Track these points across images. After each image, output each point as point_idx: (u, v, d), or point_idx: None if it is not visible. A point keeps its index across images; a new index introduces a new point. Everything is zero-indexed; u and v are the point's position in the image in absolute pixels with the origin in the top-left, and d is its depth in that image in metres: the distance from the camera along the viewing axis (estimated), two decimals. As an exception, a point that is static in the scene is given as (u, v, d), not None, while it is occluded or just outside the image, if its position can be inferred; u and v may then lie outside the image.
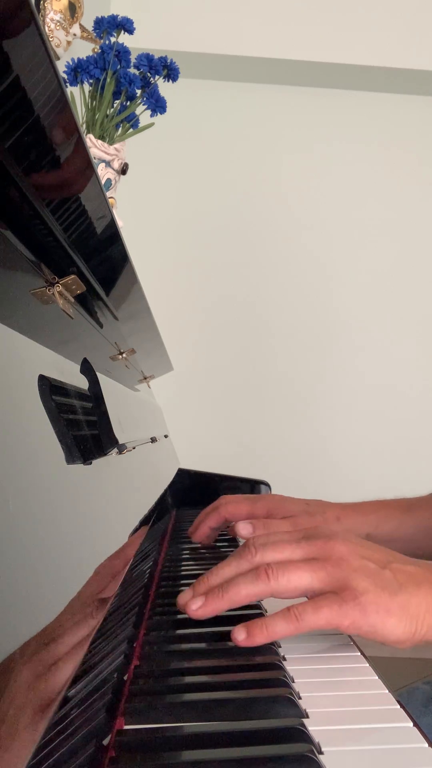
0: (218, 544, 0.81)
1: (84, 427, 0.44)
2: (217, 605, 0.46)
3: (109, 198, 0.97)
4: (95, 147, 0.94)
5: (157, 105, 1.00)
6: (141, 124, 1.00)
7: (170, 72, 1.00)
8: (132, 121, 1.00)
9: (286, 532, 0.52)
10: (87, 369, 0.51)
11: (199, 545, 0.79)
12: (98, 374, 0.52)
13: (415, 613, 0.44)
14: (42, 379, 0.36)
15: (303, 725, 0.35)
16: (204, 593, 0.47)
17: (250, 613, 0.52)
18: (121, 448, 0.55)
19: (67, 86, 0.88)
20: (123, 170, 0.98)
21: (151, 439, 0.85)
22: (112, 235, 0.49)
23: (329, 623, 0.44)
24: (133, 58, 0.98)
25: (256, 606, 0.54)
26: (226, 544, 0.79)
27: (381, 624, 0.44)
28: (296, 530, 0.52)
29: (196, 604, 0.47)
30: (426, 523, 0.75)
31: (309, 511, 0.73)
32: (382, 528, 0.75)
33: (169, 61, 1.00)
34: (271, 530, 0.64)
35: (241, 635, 0.44)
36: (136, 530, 0.49)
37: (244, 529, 0.64)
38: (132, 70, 0.98)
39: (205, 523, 0.75)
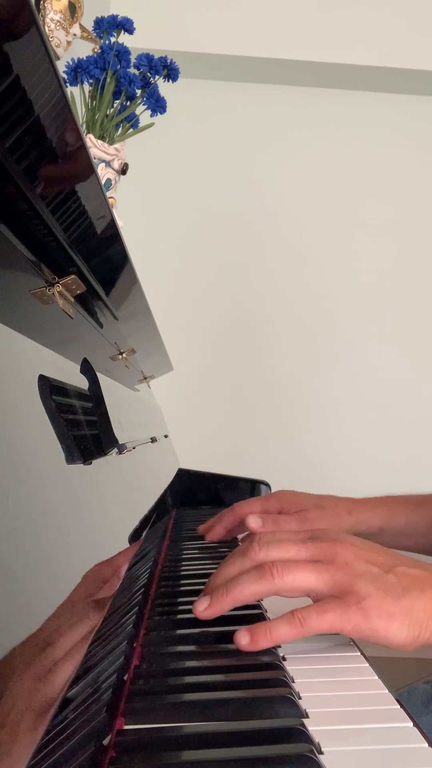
0: (218, 545, 0.81)
1: (84, 427, 0.44)
2: (222, 605, 0.47)
3: (109, 198, 0.97)
4: (95, 147, 0.94)
5: (157, 105, 1.00)
6: (141, 124, 1.00)
7: (170, 72, 1.00)
8: (132, 121, 1.00)
9: (292, 532, 0.52)
10: (87, 369, 0.51)
11: (199, 545, 0.80)
12: (98, 374, 0.52)
13: (419, 617, 0.44)
14: (42, 379, 0.36)
15: (303, 725, 0.35)
16: (210, 593, 0.48)
17: (252, 613, 0.53)
18: (121, 448, 0.55)
19: (67, 86, 0.88)
20: (123, 170, 0.98)
21: (151, 439, 0.85)
22: (112, 235, 0.49)
23: (332, 627, 0.44)
24: (133, 58, 0.98)
25: (256, 606, 0.54)
26: (226, 548, 0.79)
27: (384, 628, 0.44)
28: (302, 531, 0.52)
29: (203, 605, 0.47)
30: None
31: (321, 505, 0.74)
32: (392, 522, 0.76)
33: (169, 61, 1.00)
34: (279, 527, 0.65)
35: (244, 639, 0.44)
36: (135, 531, 0.49)
37: (254, 523, 0.65)
38: (132, 70, 0.98)
39: (221, 524, 0.77)
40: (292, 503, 0.74)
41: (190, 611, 0.54)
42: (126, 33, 0.97)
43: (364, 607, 0.43)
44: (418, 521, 0.76)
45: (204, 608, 0.47)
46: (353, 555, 0.47)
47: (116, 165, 0.97)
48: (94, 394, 0.50)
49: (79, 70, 0.95)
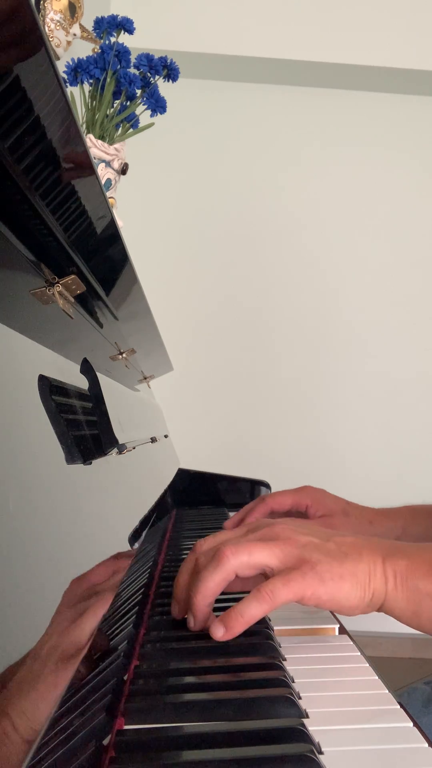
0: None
1: (84, 427, 0.44)
2: (197, 608, 0.47)
3: (109, 198, 0.97)
4: (95, 147, 0.94)
5: (157, 105, 1.00)
6: (141, 124, 1.00)
7: (170, 72, 1.00)
8: (132, 121, 1.00)
9: (231, 530, 0.54)
10: (87, 369, 0.51)
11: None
12: (98, 374, 0.52)
13: (363, 579, 0.46)
14: (42, 379, 0.36)
15: (303, 725, 0.35)
16: (183, 599, 0.50)
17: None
18: (121, 448, 0.55)
19: (67, 86, 0.88)
20: (123, 170, 0.98)
21: (151, 439, 0.85)
22: (112, 235, 0.49)
23: (296, 595, 0.45)
24: (133, 58, 0.98)
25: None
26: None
27: (337, 589, 0.45)
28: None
29: (190, 623, 0.48)
30: None
31: (348, 511, 0.76)
32: (409, 532, 0.78)
33: (169, 61, 1.00)
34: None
35: (219, 632, 0.45)
36: (135, 531, 0.49)
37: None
38: (132, 70, 0.98)
39: (252, 515, 0.77)
40: (321, 504, 0.77)
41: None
42: (126, 33, 0.97)
43: (319, 572, 0.46)
44: None
45: (192, 625, 0.48)
46: (292, 531, 0.49)
47: (116, 165, 0.97)
48: (94, 394, 0.50)
49: (79, 70, 0.95)
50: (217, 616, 0.47)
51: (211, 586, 0.47)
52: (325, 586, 0.45)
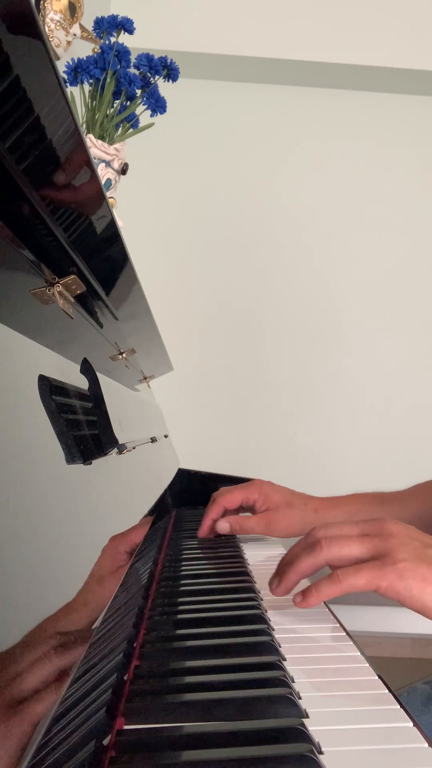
0: (218, 544, 0.81)
1: (84, 427, 0.44)
2: (288, 580, 0.55)
3: (109, 198, 0.97)
4: (95, 147, 0.94)
5: (157, 105, 1.00)
6: (141, 124, 1.00)
7: (170, 72, 1.00)
8: (132, 121, 1.00)
9: (349, 520, 0.57)
10: (87, 369, 0.51)
11: (199, 545, 0.80)
12: (98, 374, 0.52)
13: None
14: (42, 379, 0.36)
15: (303, 725, 0.35)
16: (280, 574, 0.56)
17: (247, 613, 0.53)
18: (121, 448, 0.55)
19: (67, 86, 0.88)
20: (123, 170, 0.98)
21: (151, 439, 0.85)
22: (112, 235, 0.48)
23: (369, 584, 0.48)
24: (133, 58, 0.98)
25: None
26: (226, 549, 0.79)
27: (419, 589, 0.47)
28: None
29: (275, 585, 0.56)
30: (398, 516, 0.79)
31: (291, 503, 0.81)
32: (356, 519, 0.79)
33: (169, 61, 1.00)
34: (245, 529, 0.78)
35: (298, 598, 0.52)
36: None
37: (222, 530, 0.78)
38: (132, 70, 0.98)
39: (208, 517, 0.82)
40: (267, 497, 0.81)
41: (190, 611, 0.54)
42: (126, 33, 0.97)
43: (399, 568, 0.47)
44: None
45: (276, 586, 0.56)
46: (398, 530, 0.51)
47: (116, 165, 0.97)
48: (94, 394, 0.50)
49: (79, 70, 0.95)
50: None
51: (303, 566, 0.54)
52: (404, 582, 0.47)
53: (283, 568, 0.56)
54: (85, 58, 0.96)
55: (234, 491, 0.83)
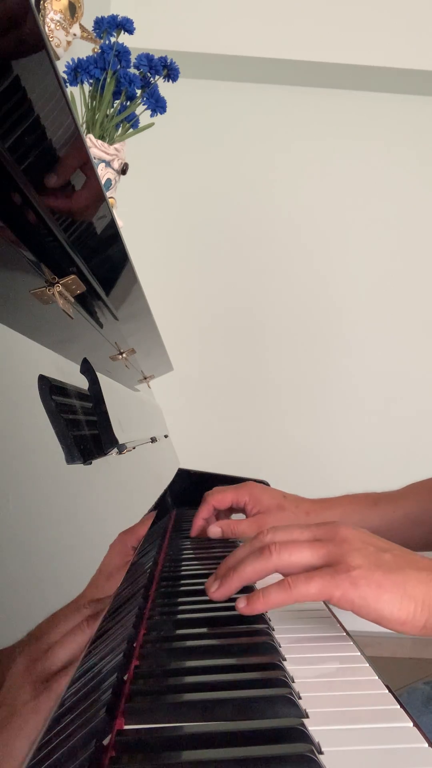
0: (218, 544, 0.81)
1: (84, 427, 0.44)
2: (230, 584, 0.50)
3: (109, 198, 0.97)
4: (95, 147, 0.94)
5: (157, 105, 1.00)
6: (141, 124, 1.00)
7: (170, 72, 1.00)
8: (132, 121, 1.00)
9: (300, 523, 0.55)
10: (87, 369, 0.51)
11: (199, 545, 0.80)
12: (98, 374, 0.52)
13: (413, 593, 0.45)
14: (42, 379, 0.36)
15: (303, 725, 0.35)
16: (221, 576, 0.51)
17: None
18: (121, 448, 0.55)
19: (67, 86, 0.88)
20: (123, 170, 0.98)
21: (151, 439, 0.85)
22: (112, 235, 0.48)
23: (321, 593, 0.45)
24: (133, 58, 0.98)
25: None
26: (226, 549, 0.79)
27: (374, 598, 0.44)
28: (310, 522, 0.55)
29: (214, 587, 0.51)
30: (390, 517, 0.78)
31: (282, 506, 0.79)
32: (348, 521, 0.79)
33: (169, 61, 1.00)
34: (235, 533, 0.76)
35: (241, 603, 0.48)
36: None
37: (213, 534, 0.77)
38: (132, 70, 0.98)
39: (198, 516, 0.82)
40: (258, 500, 0.80)
41: (190, 611, 0.54)
42: (126, 33, 0.97)
43: (353, 576, 0.45)
44: (372, 519, 0.80)
45: (215, 589, 0.51)
46: (351, 535, 0.49)
47: (116, 165, 0.97)
48: (94, 394, 0.50)
49: (79, 70, 0.95)
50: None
51: (249, 572, 0.50)
52: (359, 591, 0.44)
53: (226, 571, 0.52)
54: (85, 58, 0.96)
55: (225, 492, 0.82)
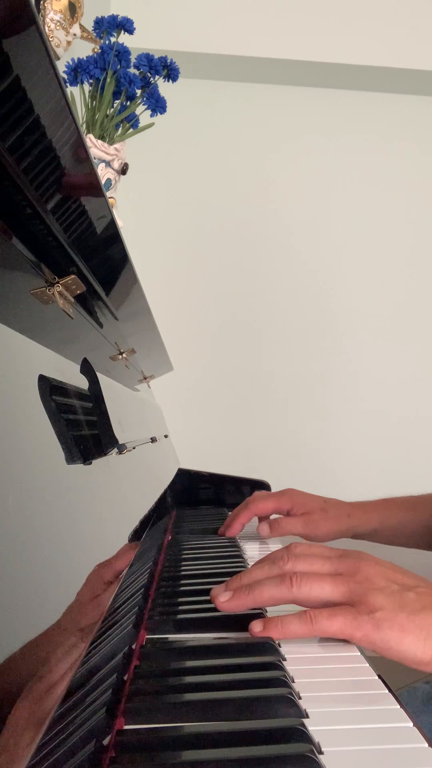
0: (218, 545, 0.81)
1: (84, 427, 0.44)
2: (242, 601, 0.49)
3: (109, 198, 0.97)
4: (95, 147, 0.94)
5: (157, 105, 1.00)
6: (141, 124, 1.00)
7: (170, 72, 1.00)
8: (132, 121, 1.00)
9: (324, 548, 0.53)
10: (87, 369, 0.51)
11: (199, 545, 0.80)
12: (98, 374, 0.52)
13: None
14: (42, 379, 0.36)
15: (303, 725, 0.35)
16: (234, 589, 0.50)
17: (247, 613, 0.52)
18: (121, 448, 0.55)
19: (67, 86, 0.88)
20: (123, 170, 0.98)
21: (151, 439, 0.85)
22: (112, 235, 0.49)
23: (342, 631, 0.45)
24: (133, 58, 0.98)
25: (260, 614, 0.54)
26: (226, 549, 0.79)
27: (396, 640, 0.44)
28: (334, 549, 0.54)
29: (225, 597, 0.50)
30: (429, 520, 0.79)
31: (325, 508, 0.81)
32: (386, 524, 0.82)
33: (169, 61, 1.00)
34: (284, 531, 0.78)
35: (257, 627, 0.47)
36: (135, 531, 0.49)
37: (264, 532, 0.79)
38: (132, 70, 0.98)
39: (238, 520, 0.84)
40: (301, 504, 0.82)
41: (190, 611, 0.54)
42: (126, 33, 0.97)
43: (376, 618, 0.44)
44: (411, 521, 0.82)
45: (225, 600, 0.50)
46: (375, 572, 0.48)
47: (116, 165, 0.97)
48: (94, 394, 0.50)
49: (79, 70, 0.95)
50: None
51: (266, 597, 0.49)
52: (381, 633, 0.44)
53: (240, 587, 0.50)
54: (85, 58, 0.96)
55: (266, 500, 0.84)
